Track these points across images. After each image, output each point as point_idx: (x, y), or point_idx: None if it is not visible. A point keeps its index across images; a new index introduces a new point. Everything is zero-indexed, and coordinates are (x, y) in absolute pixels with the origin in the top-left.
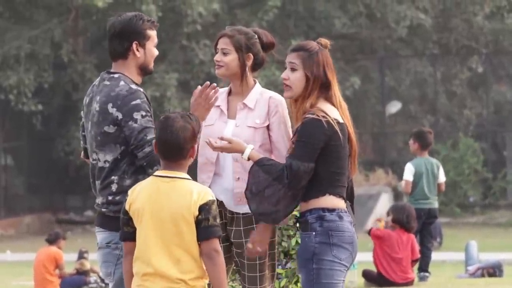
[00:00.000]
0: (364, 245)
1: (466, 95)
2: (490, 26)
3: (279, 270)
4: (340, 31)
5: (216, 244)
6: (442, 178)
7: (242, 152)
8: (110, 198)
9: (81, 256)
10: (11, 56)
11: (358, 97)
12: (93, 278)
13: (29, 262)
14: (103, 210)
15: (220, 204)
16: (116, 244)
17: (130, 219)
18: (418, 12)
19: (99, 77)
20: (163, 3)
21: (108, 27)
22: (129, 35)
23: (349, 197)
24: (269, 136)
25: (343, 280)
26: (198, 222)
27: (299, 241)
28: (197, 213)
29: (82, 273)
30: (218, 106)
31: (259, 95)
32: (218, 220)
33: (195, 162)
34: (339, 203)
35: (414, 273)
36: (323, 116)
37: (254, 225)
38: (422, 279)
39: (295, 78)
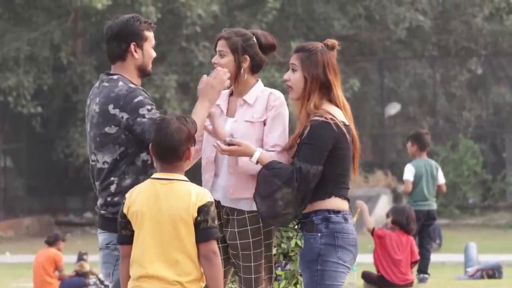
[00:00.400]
0: (364, 246)
1: (466, 97)
2: (489, 27)
3: (278, 271)
4: (340, 33)
5: (214, 246)
6: (441, 179)
7: (251, 155)
8: (108, 199)
9: (80, 258)
10: (10, 58)
11: (357, 99)
12: (92, 280)
13: (29, 264)
14: (102, 212)
15: (217, 204)
16: (115, 245)
17: (128, 222)
18: (417, 14)
19: (99, 79)
20: (163, 5)
21: (105, 30)
22: (126, 36)
23: None
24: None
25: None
26: (197, 224)
27: (299, 242)
28: (196, 214)
29: (81, 275)
30: (218, 105)
31: (260, 92)
32: (216, 221)
33: (199, 163)
34: (343, 205)
35: (413, 274)
36: (331, 119)
37: (248, 227)
38: (421, 280)
39: (295, 78)
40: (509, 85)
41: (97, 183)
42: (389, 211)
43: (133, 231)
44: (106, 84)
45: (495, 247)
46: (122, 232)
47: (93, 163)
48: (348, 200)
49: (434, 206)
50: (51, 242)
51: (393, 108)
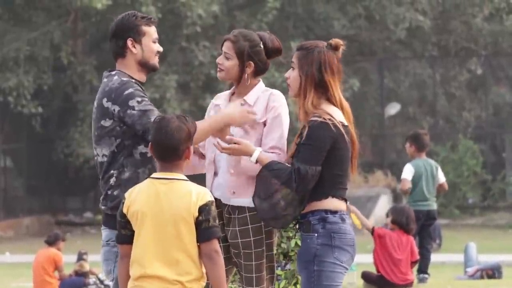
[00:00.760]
0: (363, 246)
1: (465, 97)
2: (489, 28)
3: (278, 271)
4: (339, 33)
5: (216, 245)
6: (442, 178)
7: (250, 154)
8: (109, 192)
9: (80, 257)
10: (10, 58)
11: (357, 99)
12: (92, 279)
13: (28, 263)
14: (102, 207)
15: (218, 203)
16: (114, 241)
17: (128, 222)
18: (417, 14)
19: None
20: (163, 4)
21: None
22: (123, 33)
23: None
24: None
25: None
26: (198, 223)
27: (299, 242)
28: (197, 214)
29: (81, 274)
30: (218, 105)
31: (261, 92)
32: (217, 220)
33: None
34: (341, 205)
35: (413, 274)
36: (329, 119)
37: (249, 226)
38: (421, 280)
39: (292, 76)
40: (509, 85)
41: (100, 177)
42: (389, 211)
43: (132, 231)
44: (104, 80)
45: (495, 247)
46: (122, 231)
47: (96, 157)
48: (346, 201)
49: (434, 206)
50: (51, 242)
51: (393, 108)
